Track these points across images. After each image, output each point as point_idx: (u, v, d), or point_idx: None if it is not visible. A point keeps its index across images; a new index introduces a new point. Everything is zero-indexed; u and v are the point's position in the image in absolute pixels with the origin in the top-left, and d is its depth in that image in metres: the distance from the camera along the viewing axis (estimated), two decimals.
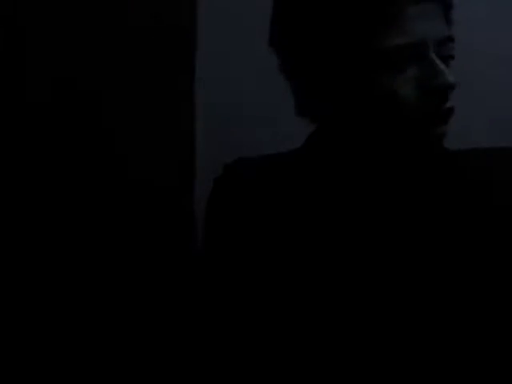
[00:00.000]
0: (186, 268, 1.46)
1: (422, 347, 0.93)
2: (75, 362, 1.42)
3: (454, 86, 0.89)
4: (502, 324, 0.93)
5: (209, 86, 1.50)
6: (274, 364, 0.97)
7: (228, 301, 1.02)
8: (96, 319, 1.44)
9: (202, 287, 1.08)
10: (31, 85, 1.42)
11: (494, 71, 1.42)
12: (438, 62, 0.89)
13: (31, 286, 1.42)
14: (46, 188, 1.44)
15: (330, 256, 0.97)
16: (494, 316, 0.93)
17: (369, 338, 0.94)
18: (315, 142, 1.02)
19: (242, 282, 1.01)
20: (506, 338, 0.93)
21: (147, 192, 1.48)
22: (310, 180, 1.00)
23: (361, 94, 0.92)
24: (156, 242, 1.48)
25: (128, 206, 1.47)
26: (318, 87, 0.95)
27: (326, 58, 0.92)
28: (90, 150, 1.45)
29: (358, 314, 0.95)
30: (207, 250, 1.08)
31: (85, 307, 1.44)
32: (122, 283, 1.45)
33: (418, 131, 0.91)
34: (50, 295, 1.43)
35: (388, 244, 0.96)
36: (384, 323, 0.94)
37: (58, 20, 1.41)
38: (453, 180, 0.99)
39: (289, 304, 0.97)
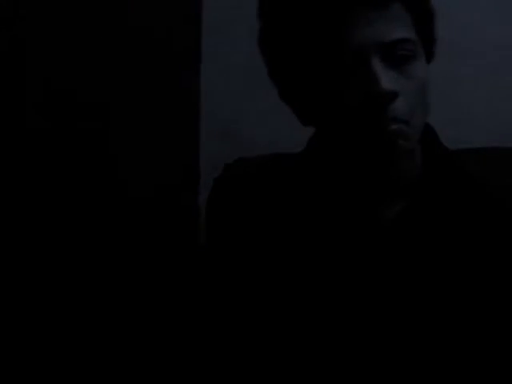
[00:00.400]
0: (189, 267, 1.46)
1: (420, 347, 0.93)
2: (76, 361, 1.42)
3: (388, 93, 0.88)
4: (502, 326, 0.93)
5: (213, 88, 1.50)
6: (272, 362, 0.97)
7: (229, 299, 1.03)
8: (99, 318, 1.45)
9: (203, 286, 1.08)
10: (32, 85, 1.42)
11: (494, 71, 1.42)
12: (376, 68, 0.88)
13: (32, 280, 1.43)
14: (51, 191, 1.44)
15: (329, 255, 0.97)
16: (491, 317, 0.93)
17: (366, 334, 0.94)
18: (314, 145, 1.02)
19: (243, 280, 1.01)
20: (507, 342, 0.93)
21: (151, 192, 1.48)
22: (309, 181, 1.01)
23: (321, 104, 0.93)
24: (159, 242, 1.48)
25: (131, 206, 1.47)
26: (293, 97, 0.97)
27: (291, 67, 0.94)
28: (92, 151, 1.45)
29: (356, 311, 0.95)
30: (208, 249, 1.08)
31: (89, 305, 1.44)
32: (125, 282, 1.46)
33: (367, 136, 0.91)
34: (51, 295, 1.43)
35: (385, 241, 0.96)
36: (381, 318, 0.94)
37: (58, 20, 1.41)
38: (446, 179, 0.99)
39: (289, 301, 0.97)
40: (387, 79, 0.88)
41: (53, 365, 1.42)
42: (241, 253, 1.02)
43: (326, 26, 0.89)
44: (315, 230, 0.99)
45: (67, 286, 1.44)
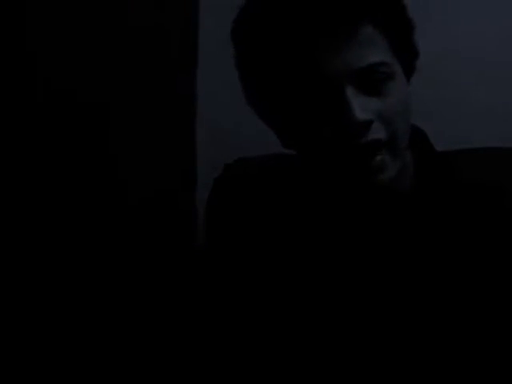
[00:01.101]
0: (188, 268, 1.46)
1: (420, 348, 0.93)
2: (75, 362, 1.42)
3: (361, 123, 0.86)
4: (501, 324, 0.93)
5: (209, 89, 1.50)
6: (274, 362, 0.97)
7: (229, 300, 1.02)
8: (97, 318, 1.44)
9: (203, 286, 1.08)
10: (33, 85, 1.42)
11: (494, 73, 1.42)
12: (349, 97, 0.87)
13: (31, 280, 1.42)
14: (51, 192, 1.44)
15: (328, 256, 0.97)
16: (489, 313, 0.93)
17: (366, 334, 0.94)
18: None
19: (242, 280, 1.01)
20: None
21: (149, 194, 1.48)
22: (309, 182, 1.01)
23: (297, 131, 0.92)
24: (157, 243, 1.48)
25: (129, 208, 1.47)
26: (270, 123, 0.98)
27: (265, 94, 0.93)
28: (90, 153, 1.45)
29: (355, 311, 0.95)
30: (207, 249, 1.08)
31: (87, 305, 1.44)
32: (123, 283, 1.45)
33: (345, 167, 0.90)
34: (49, 295, 1.43)
35: (383, 246, 0.96)
36: (381, 318, 0.94)
37: (58, 20, 1.41)
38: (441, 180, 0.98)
39: (288, 301, 0.97)
40: (361, 108, 0.86)
41: (51, 365, 1.41)
42: (241, 253, 1.02)
43: (296, 54, 0.88)
44: (315, 230, 0.98)
45: (65, 287, 1.44)
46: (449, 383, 0.92)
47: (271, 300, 0.98)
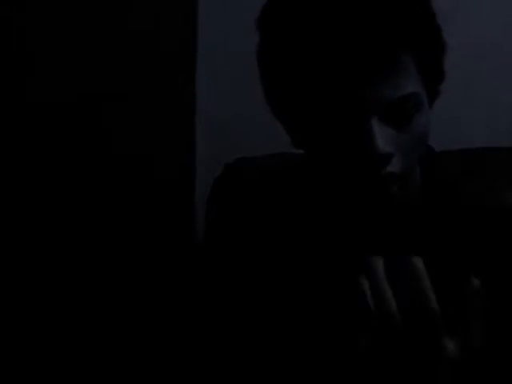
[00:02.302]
0: (187, 268, 1.46)
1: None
2: (75, 362, 1.42)
3: (383, 155, 0.84)
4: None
5: (209, 87, 1.50)
6: (273, 363, 0.97)
7: (227, 299, 1.02)
8: (94, 315, 1.44)
9: (202, 286, 1.08)
10: (32, 86, 1.42)
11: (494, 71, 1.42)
12: (373, 128, 0.83)
13: (26, 275, 1.43)
14: (47, 186, 1.44)
15: (327, 257, 0.97)
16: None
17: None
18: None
19: (242, 281, 1.01)
20: None
21: (148, 192, 1.48)
22: (312, 181, 1.01)
23: (314, 140, 0.89)
24: (156, 243, 1.48)
25: (127, 207, 1.47)
26: (286, 123, 0.94)
27: (288, 97, 0.89)
28: (90, 150, 1.45)
29: (354, 313, 0.95)
30: (207, 248, 1.08)
31: (84, 302, 1.44)
32: (121, 280, 1.46)
33: (360, 190, 0.88)
34: (48, 294, 1.43)
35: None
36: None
37: (58, 21, 1.41)
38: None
39: (288, 302, 0.97)
40: (384, 140, 0.84)
41: (51, 365, 1.41)
42: (240, 253, 1.02)
43: (327, 71, 0.83)
44: (316, 231, 0.98)
45: (65, 286, 1.44)
46: None
47: (270, 300, 0.98)
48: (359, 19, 0.81)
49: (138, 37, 1.45)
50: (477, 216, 0.95)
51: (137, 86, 1.46)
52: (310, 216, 0.99)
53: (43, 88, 1.42)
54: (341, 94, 0.83)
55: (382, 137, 0.84)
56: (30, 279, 1.43)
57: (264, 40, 0.90)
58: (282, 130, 0.96)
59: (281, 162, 1.05)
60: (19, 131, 1.41)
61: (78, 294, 1.44)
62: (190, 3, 1.49)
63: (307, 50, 0.83)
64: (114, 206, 1.47)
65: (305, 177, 1.01)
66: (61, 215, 1.44)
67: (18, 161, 1.43)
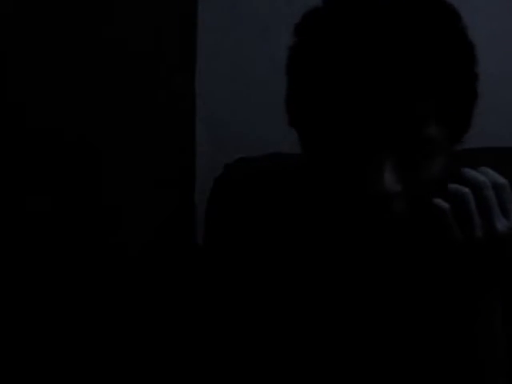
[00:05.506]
0: (187, 268, 1.46)
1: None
2: (75, 362, 1.42)
3: (387, 193, 0.81)
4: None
5: (209, 87, 1.50)
6: (272, 364, 0.98)
7: (227, 300, 1.02)
8: (93, 316, 1.45)
9: (202, 287, 1.08)
10: (33, 86, 1.42)
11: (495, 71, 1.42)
12: (385, 169, 0.81)
13: (24, 274, 1.43)
14: (48, 191, 1.44)
15: (327, 258, 0.97)
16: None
17: (361, 337, 0.94)
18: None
19: (241, 281, 1.01)
20: None
21: (148, 193, 1.48)
22: (310, 183, 1.00)
23: (322, 157, 0.87)
24: (157, 243, 1.48)
25: (127, 207, 1.47)
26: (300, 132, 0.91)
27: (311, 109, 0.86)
28: (90, 150, 1.45)
29: (351, 315, 0.95)
30: (207, 249, 1.08)
31: (84, 303, 1.44)
32: (121, 281, 1.46)
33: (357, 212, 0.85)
34: (48, 294, 1.43)
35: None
36: (377, 321, 0.94)
37: (58, 20, 1.41)
38: None
39: (288, 302, 0.97)
40: (392, 180, 0.81)
41: (51, 365, 1.42)
42: (240, 253, 1.02)
43: (355, 100, 0.80)
44: (315, 232, 0.98)
45: (64, 286, 1.44)
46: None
47: (271, 300, 0.98)
48: (401, 54, 0.78)
49: (138, 37, 1.45)
50: None
51: (137, 86, 1.46)
52: (310, 216, 0.99)
53: (41, 86, 1.42)
54: (363, 123, 0.81)
55: (392, 178, 0.81)
56: (30, 279, 1.43)
57: (301, 45, 0.87)
58: (282, 131, 0.96)
59: (280, 162, 1.05)
60: (17, 133, 1.42)
61: (78, 294, 1.44)
62: (190, 3, 1.49)
63: (342, 68, 0.80)
64: (114, 206, 1.47)
65: (304, 177, 1.01)
66: (61, 215, 1.44)
67: (16, 164, 1.43)
